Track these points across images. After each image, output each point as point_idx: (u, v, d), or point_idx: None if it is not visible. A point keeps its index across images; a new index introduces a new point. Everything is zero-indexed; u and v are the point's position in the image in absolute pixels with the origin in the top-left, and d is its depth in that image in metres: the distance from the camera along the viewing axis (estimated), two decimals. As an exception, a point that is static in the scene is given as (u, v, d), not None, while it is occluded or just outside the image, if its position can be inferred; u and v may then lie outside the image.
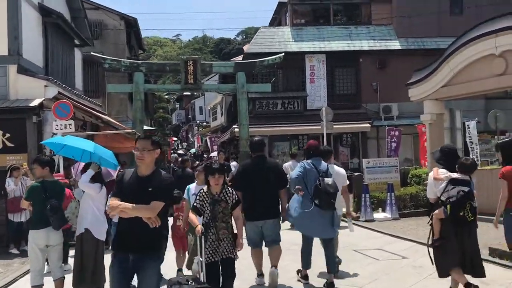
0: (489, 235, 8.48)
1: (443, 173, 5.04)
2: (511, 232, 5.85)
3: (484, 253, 7.10)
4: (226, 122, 27.87)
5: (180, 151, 32.73)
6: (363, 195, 11.55)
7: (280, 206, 6.12)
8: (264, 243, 6.08)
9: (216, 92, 30.68)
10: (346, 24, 22.41)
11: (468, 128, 16.57)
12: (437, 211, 4.97)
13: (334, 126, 18.05)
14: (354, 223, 11.29)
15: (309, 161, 5.98)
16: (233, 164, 16.98)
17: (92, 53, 17.63)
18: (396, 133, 18.72)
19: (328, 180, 5.68)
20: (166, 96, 72.37)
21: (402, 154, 19.86)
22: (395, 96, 20.06)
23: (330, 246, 5.99)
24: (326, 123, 12.78)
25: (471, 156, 11.62)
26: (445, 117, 12.45)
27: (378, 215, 11.61)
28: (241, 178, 6.04)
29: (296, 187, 5.80)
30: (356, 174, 12.90)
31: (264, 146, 6.26)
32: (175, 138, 62.53)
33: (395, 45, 21.31)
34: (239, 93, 18.33)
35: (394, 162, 13.72)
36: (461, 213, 4.75)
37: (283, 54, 18.72)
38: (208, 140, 30.00)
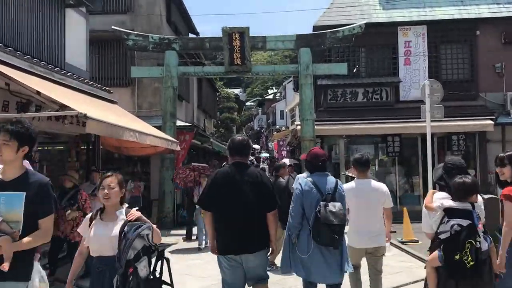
0: None
1: (440, 197, 3.78)
2: None
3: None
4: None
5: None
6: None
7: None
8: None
9: (293, 92, 26.07)
10: (456, -15, 16.53)
11: None
12: (431, 256, 3.77)
13: (440, 124, 12.41)
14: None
15: (308, 178, 4.33)
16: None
17: (113, 27, 13.83)
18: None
19: (333, 206, 4.12)
20: (250, 103, 68.89)
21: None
22: (530, 82, 14.21)
23: None
24: (430, 106, 7.29)
25: None
26: None
27: None
28: (209, 193, 4.22)
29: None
30: (487, 196, 7.31)
31: (248, 149, 4.27)
32: (256, 146, 59.71)
33: (531, 10, 15.09)
34: (302, 76, 13.51)
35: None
36: (457, 256, 3.49)
37: (364, 23, 13.58)
38: (274, 145, 25.28)
